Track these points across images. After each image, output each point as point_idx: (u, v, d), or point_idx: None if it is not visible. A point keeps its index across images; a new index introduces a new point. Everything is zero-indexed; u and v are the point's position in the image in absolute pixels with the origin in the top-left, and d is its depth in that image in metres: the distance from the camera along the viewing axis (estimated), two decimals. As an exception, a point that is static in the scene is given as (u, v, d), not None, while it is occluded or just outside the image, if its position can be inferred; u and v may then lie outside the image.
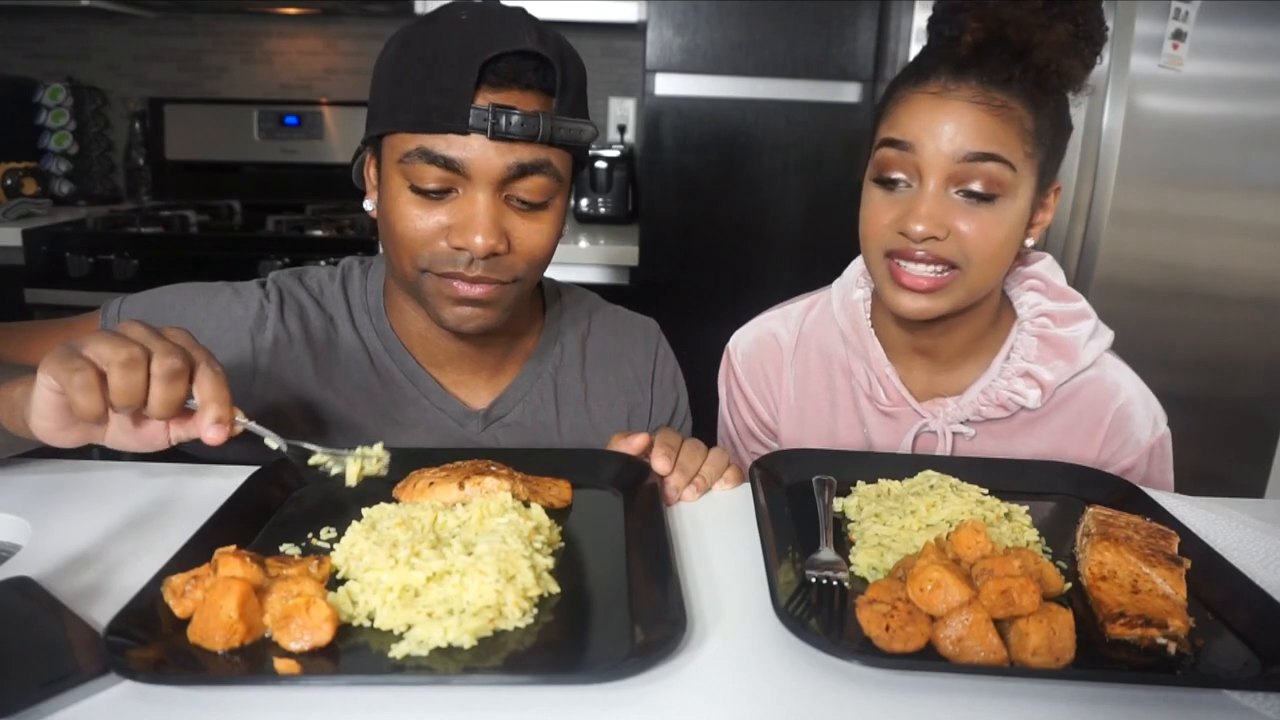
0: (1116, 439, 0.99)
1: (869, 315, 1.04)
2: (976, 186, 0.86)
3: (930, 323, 0.94)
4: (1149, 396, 1.01)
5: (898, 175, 0.89)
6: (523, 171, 0.81)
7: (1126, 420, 0.99)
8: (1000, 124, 0.85)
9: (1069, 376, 0.98)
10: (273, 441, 0.69)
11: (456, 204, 0.81)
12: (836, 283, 1.09)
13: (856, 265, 1.07)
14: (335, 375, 0.93)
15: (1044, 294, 1.01)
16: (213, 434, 0.64)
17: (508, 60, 0.79)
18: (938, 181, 0.87)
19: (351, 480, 0.71)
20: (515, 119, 0.78)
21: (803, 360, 1.09)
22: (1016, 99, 0.86)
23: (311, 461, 0.71)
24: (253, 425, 0.67)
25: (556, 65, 0.80)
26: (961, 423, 1.00)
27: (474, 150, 0.79)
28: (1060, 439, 0.99)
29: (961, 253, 0.88)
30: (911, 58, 0.96)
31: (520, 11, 0.83)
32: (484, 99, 0.78)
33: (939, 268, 0.89)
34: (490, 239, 0.80)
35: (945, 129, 0.86)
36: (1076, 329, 0.98)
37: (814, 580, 0.65)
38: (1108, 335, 1.00)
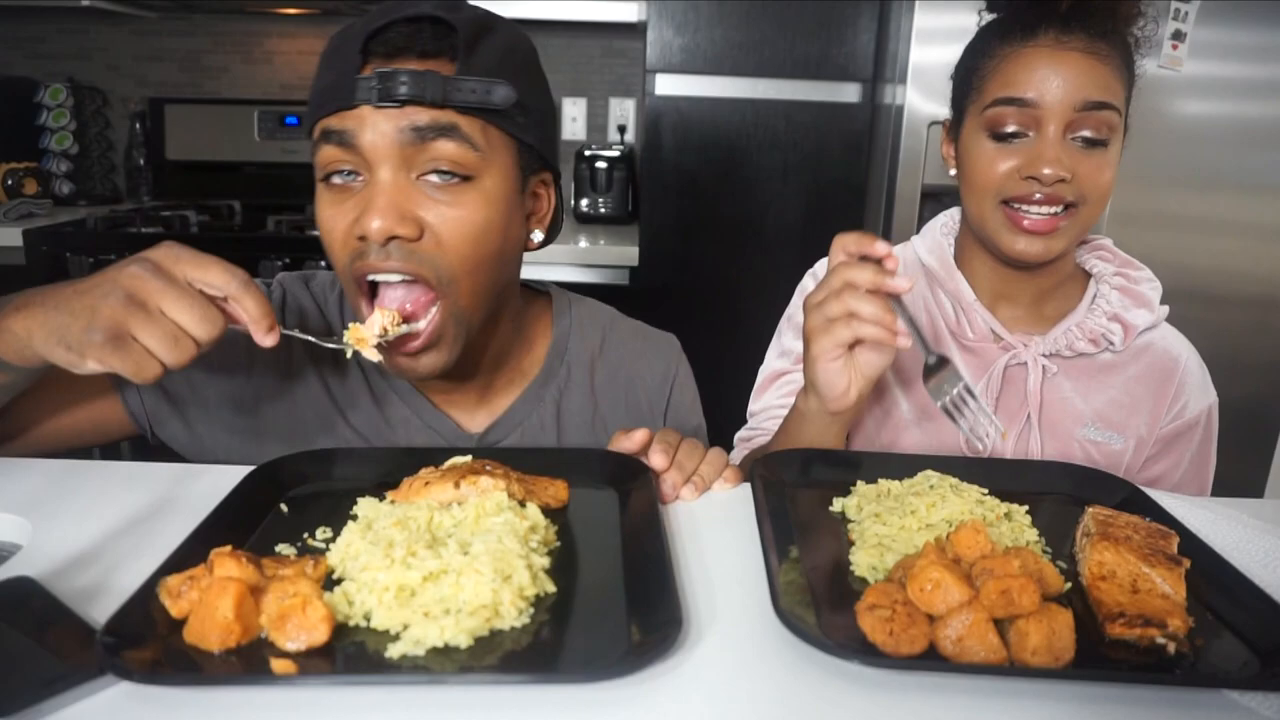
0: (1181, 398, 1.06)
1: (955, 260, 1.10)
2: (1091, 133, 0.93)
3: (1030, 267, 1.00)
4: (1204, 366, 1.08)
5: (1014, 128, 0.94)
6: (420, 136, 0.74)
7: (1188, 379, 1.06)
8: (1110, 72, 0.93)
9: (1148, 326, 1.05)
10: (313, 339, 0.75)
11: (363, 193, 0.76)
12: (916, 237, 1.15)
13: (939, 220, 1.13)
14: (331, 384, 0.91)
15: (1112, 262, 1.09)
16: (269, 341, 0.69)
17: (399, 29, 0.75)
18: (1058, 128, 0.93)
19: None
20: (402, 80, 0.72)
21: None
22: (1115, 49, 0.93)
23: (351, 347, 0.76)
24: (294, 333, 0.74)
25: (460, 25, 0.74)
26: (1047, 356, 1.04)
27: (364, 121, 0.74)
28: (1134, 386, 1.05)
29: (1080, 193, 0.94)
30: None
31: None
32: (371, 69, 0.74)
33: (1057, 209, 0.95)
34: (386, 219, 0.73)
35: (1064, 80, 0.92)
36: (1151, 286, 1.07)
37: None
38: (1165, 307, 1.07)
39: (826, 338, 0.83)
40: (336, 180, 0.78)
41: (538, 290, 1.02)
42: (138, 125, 2.76)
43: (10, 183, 2.53)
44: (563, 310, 0.99)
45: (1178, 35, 1.85)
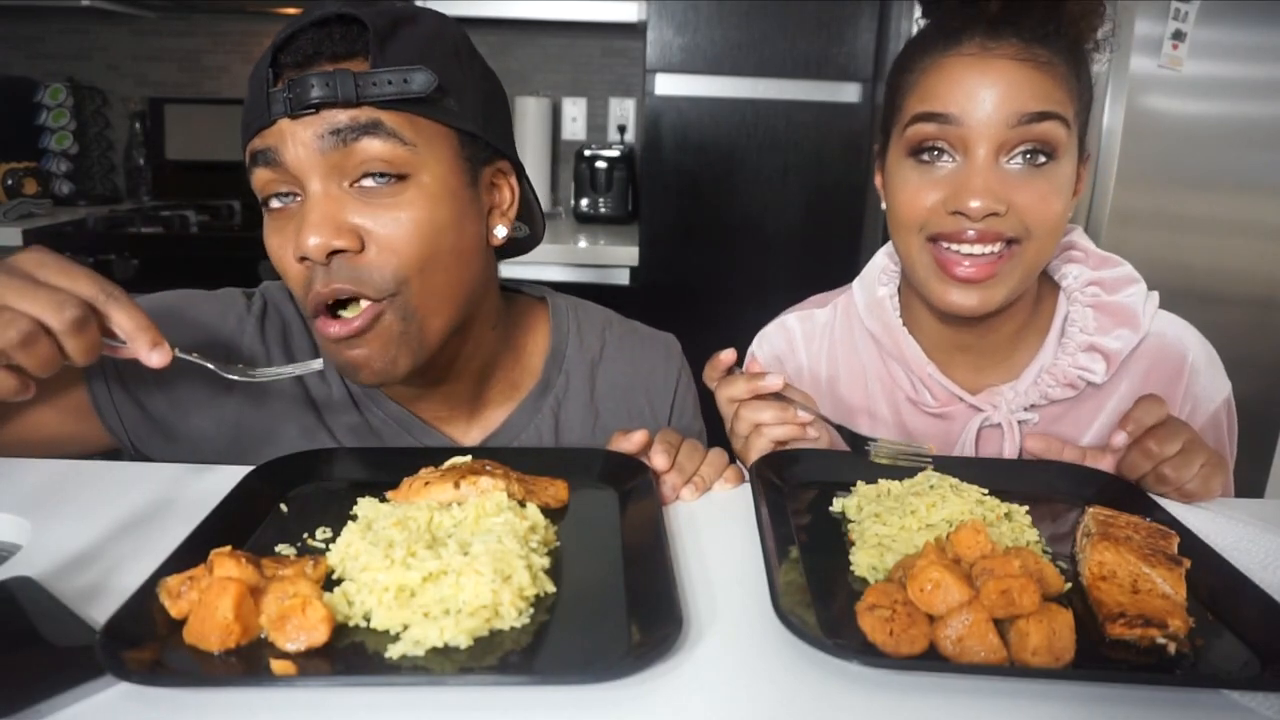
0: (1191, 397, 0.95)
1: (899, 312, 0.98)
2: (1031, 147, 0.80)
3: (971, 321, 0.88)
4: (1213, 353, 0.96)
5: (938, 146, 0.82)
6: (343, 140, 0.70)
7: (1197, 373, 0.94)
8: (1050, 80, 0.79)
9: (1135, 344, 0.92)
10: (211, 365, 0.70)
11: (299, 212, 0.72)
12: (856, 283, 1.03)
13: (877, 262, 1.01)
14: (319, 404, 0.87)
15: (1085, 263, 0.95)
16: (155, 359, 0.64)
17: (307, 36, 0.72)
18: (988, 151, 0.80)
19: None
20: (311, 85, 0.69)
21: (829, 373, 1.04)
22: (1058, 55, 0.80)
23: (259, 379, 0.73)
24: (190, 357, 0.69)
25: (370, 20, 0.71)
26: (1024, 409, 0.94)
27: (284, 136, 0.71)
28: (1129, 403, 0.93)
29: (1023, 226, 0.81)
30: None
31: None
32: (283, 82, 0.71)
33: (995, 247, 0.82)
34: (322, 234, 0.69)
35: (992, 93, 0.79)
36: (1131, 293, 0.93)
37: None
38: (1155, 295, 0.94)
39: (752, 453, 0.84)
40: (276, 204, 0.75)
41: (532, 296, 0.99)
42: (137, 125, 2.76)
43: (10, 183, 2.53)
44: (560, 316, 0.95)
45: (1178, 35, 1.85)
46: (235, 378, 0.73)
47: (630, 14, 2.35)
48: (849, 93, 2.12)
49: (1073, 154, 0.83)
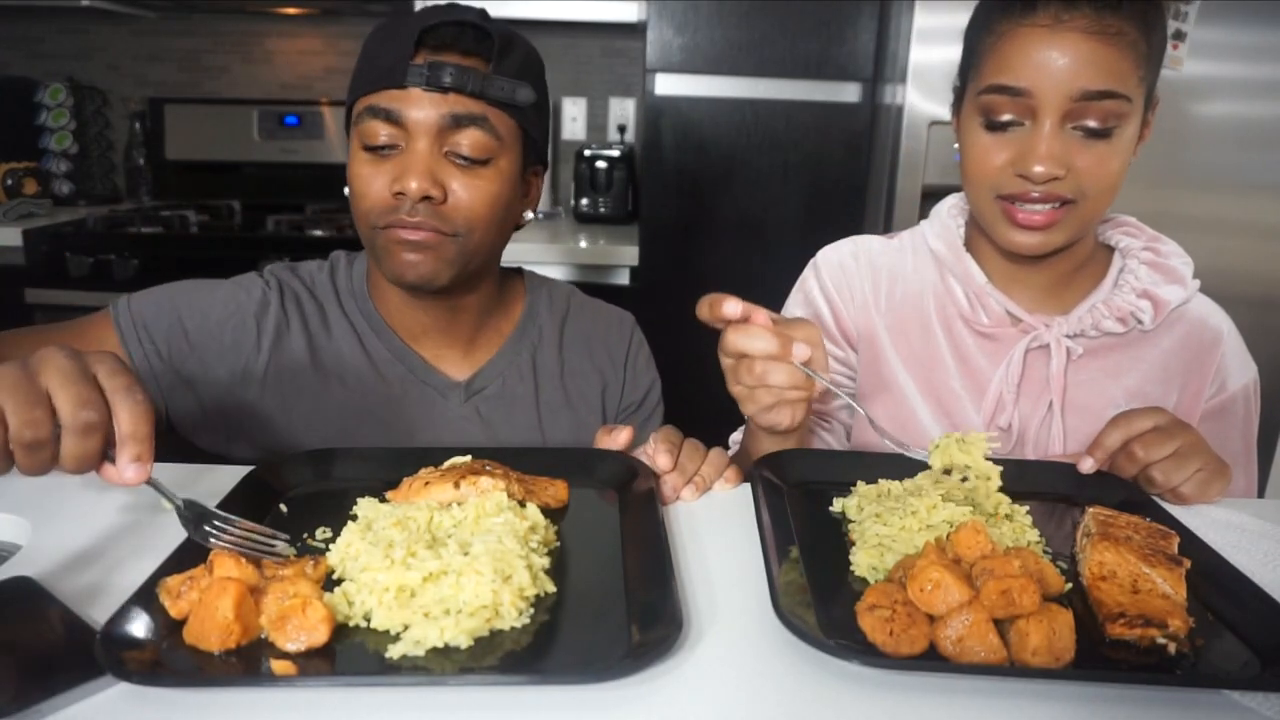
0: (1222, 373, 1.02)
1: (964, 241, 1.05)
2: (1093, 123, 0.86)
3: (1039, 256, 0.95)
4: (1240, 338, 1.03)
5: (1008, 116, 0.89)
6: (457, 123, 0.88)
7: (1229, 352, 1.02)
8: (1116, 54, 0.84)
9: (1183, 300, 1.00)
10: (166, 503, 0.62)
11: (400, 159, 0.89)
12: (925, 222, 1.10)
13: (948, 201, 1.08)
14: (328, 357, 0.99)
15: (1139, 237, 1.04)
16: (131, 473, 0.58)
17: (447, 28, 0.89)
18: (1054, 121, 0.86)
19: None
20: (449, 70, 0.86)
21: (888, 288, 1.08)
22: (1129, 21, 0.85)
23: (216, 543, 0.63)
24: (159, 484, 0.61)
25: (495, 35, 0.89)
26: (1072, 337, 0.99)
27: (411, 102, 0.87)
28: (1170, 360, 1.00)
29: (1079, 188, 0.88)
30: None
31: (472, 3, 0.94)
32: (422, 59, 0.88)
33: (1055, 203, 0.89)
34: (423, 182, 0.87)
35: (1060, 66, 0.84)
36: (1182, 261, 1.02)
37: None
38: (1199, 280, 1.02)
39: (751, 404, 0.82)
40: (378, 145, 0.89)
41: (512, 271, 1.15)
42: (137, 125, 2.76)
43: (10, 183, 2.53)
44: (533, 285, 1.13)
45: (1178, 35, 1.85)
46: (196, 531, 0.62)
47: (630, 14, 2.35)
48: (849, 93, 2.11)
49: (1136, 117, 0.88)
